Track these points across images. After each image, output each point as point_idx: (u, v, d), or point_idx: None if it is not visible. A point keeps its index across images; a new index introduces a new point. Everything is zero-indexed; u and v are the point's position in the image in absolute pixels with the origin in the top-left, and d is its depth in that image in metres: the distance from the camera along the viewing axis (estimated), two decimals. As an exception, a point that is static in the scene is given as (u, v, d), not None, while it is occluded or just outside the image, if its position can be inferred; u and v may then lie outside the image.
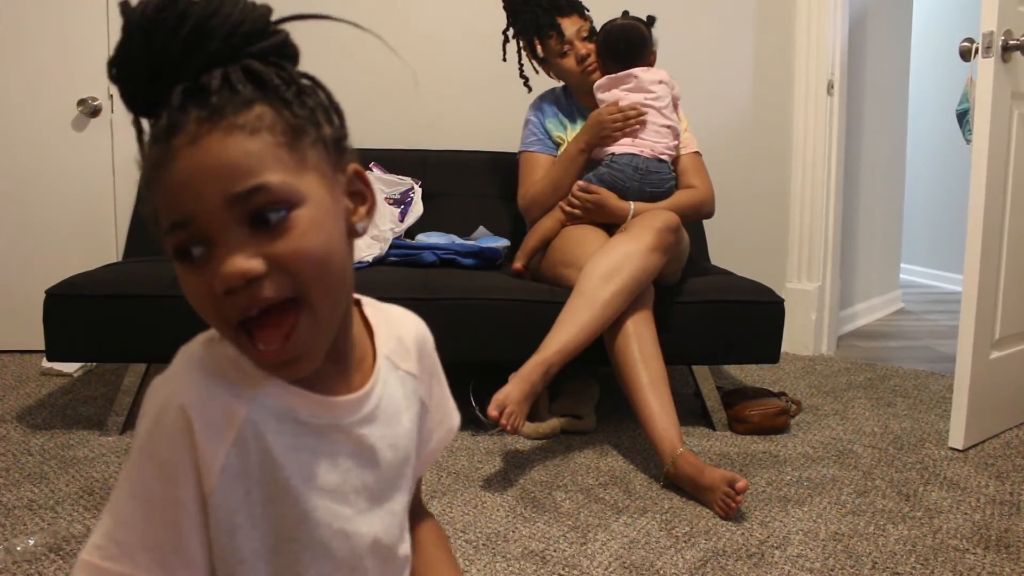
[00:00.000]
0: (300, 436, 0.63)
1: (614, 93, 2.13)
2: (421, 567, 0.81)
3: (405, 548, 0.75)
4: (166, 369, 0.62)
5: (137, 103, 0.60)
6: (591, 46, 2.18)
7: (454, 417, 0.83)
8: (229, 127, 0.55)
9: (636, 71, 2.12)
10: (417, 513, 0.84)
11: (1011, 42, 1.89)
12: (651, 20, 2.19)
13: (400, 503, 0.73)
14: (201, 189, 0.55)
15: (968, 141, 2.03)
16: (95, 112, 2.69)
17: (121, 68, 0.58)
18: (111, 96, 2.69)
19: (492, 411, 1.65)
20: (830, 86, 2.90)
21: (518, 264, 2.16)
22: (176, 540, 0.59)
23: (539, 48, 2.21)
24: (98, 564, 0.59)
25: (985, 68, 1.90)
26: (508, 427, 1.65)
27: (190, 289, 0.58)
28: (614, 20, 2.19)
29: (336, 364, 0.66)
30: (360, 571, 0.68)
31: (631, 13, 2.22)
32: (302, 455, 0.63)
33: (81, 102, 2.67)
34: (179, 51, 0.56)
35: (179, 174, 0.55)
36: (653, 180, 2.08)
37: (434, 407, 0.79)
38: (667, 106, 2.13)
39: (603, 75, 2.16)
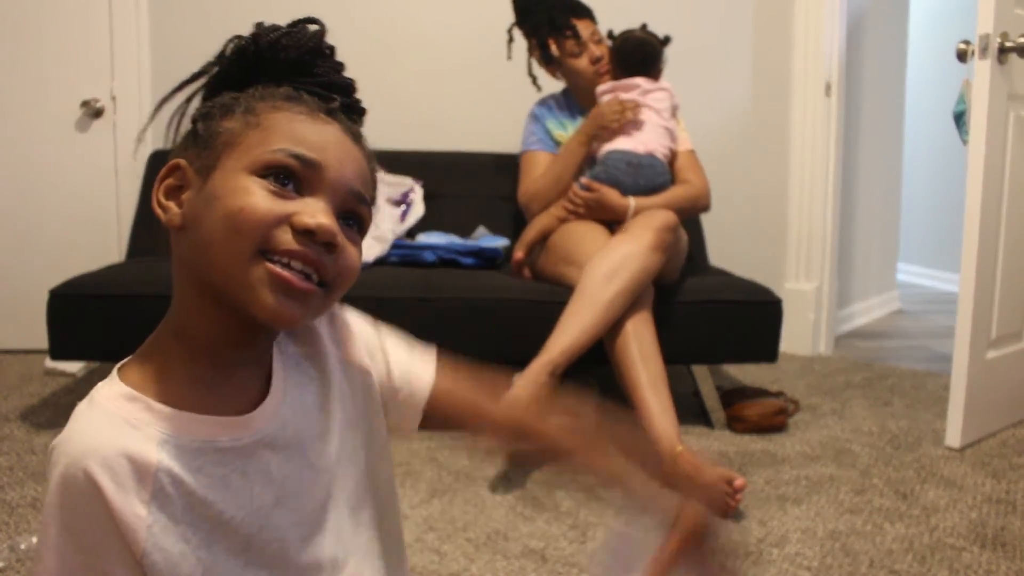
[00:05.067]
0: (227, 464, 0.61)
1: (616, 95, 2.17)
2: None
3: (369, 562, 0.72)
4: (59, 436, 0.58)
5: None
6: (604, 48, 2.23)
7: (422, 366, 0.77)
8: (368, 154, 0.67)
9: (639, 80, 2.18)
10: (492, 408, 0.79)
11: (1007, 44, 1.91)
12: (667, 40, 2.24)
13: (355, 505, 0.70)
14: (343, 159, 0.63)
15: (965, 142, 2.03)
16: (98, 113, 2.70)
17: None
18: (113, 98, 2.70)
19: None
20: (828, 87, 2.91)
21: (518, 254, 2.17)
22: None
23: (553, 47, 2.23)
24: None
25: (981, 70, 1.91)
26: None
27: (252, 201, 0.58)
28: (633, 30, 2.24)
29: (258, 369, 0.66)
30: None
31: (648, 27, 2.27)
32: (233, 481, 0.62)
33: (84, 103, 2.68)
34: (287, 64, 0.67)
35: (333, 137, 0.63)
36: (646, 174, 2.11)
37: (378, 361, 0.75)
38: (666, 110, 2.19)
39: (611, 80, 2.21)
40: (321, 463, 0.68)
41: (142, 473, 0.57)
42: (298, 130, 0.62)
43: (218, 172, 0.61)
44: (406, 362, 0.76)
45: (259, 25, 0.66)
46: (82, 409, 0.60)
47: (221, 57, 0.67)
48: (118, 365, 0.64)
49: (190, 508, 0.59)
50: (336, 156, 0.62)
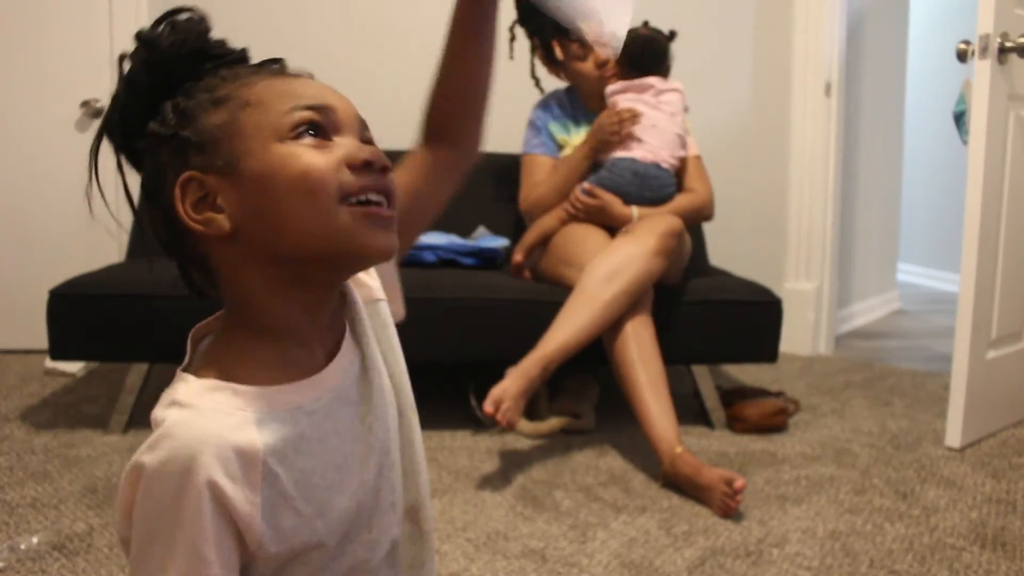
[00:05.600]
0: (319, 426, 0.64)
1: (627, 96, 2.15)
2: None
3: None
4: (148, 449, 0.58)
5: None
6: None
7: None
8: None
9: (652, 80, 2.15)
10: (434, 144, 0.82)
11: (1007, 44, 1.91)
12: (672, 35, 2.22)
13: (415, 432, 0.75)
14: (340, 97, 0.65)
15: (965, 142, 2.03)
16: (98, 113, 2.70)
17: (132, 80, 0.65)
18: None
19: (488, 407, 1.66)
20: (828, 87, 2.91)
21: (517, 256, 2.17)
22: None
23: (557, 50, 2.22)
24: None
25: (982, 70, 1.91)
26: (503, 422, 1.66)
27: (308, 161, 0.60)
28: (637, 29, 2.21)
29: (328, 333, 0.68)
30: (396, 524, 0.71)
31: (651, 24, 2.24)
32: (329, 441, 0.64)
33: (84, 103, 2.68)
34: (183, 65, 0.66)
35: (315, 84, 0.65)
36: (652, 185, 2.09)
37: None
38: (678, 113, 2.16)
39: (619, 80, 2.19)
40: (377, 412, 0.70)
41: (251, 460, 0.59)
42: (288, 89, 0.63)
43: (247, 159, 0.61)
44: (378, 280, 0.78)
45: (140, 33, 0.65)
46: (176, 418, 0.59)
47: (129, 81, 0.65)
48: (180, 369, 0.64)
49: (299, 482, 0.61)
50: (333, 96, 0.65)
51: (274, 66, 0.68)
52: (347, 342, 0.69)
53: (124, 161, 0.68)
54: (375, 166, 0.62)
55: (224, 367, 0.62)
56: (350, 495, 0.66)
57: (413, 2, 2.85)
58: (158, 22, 0.65)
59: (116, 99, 0.66)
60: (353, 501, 0.66)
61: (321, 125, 0.62)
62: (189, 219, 0.62)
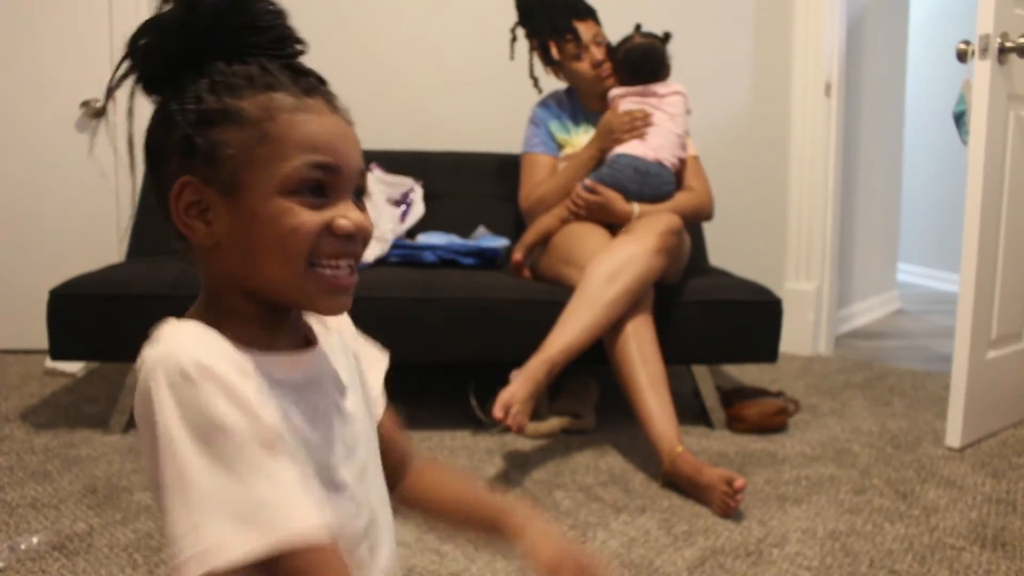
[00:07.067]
0: (283, 397, 0.63)
1: (631, 99, 2.15)
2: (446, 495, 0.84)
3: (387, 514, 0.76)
4: (153, 345, 0.57)
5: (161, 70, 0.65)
6: (606, 50, 2.21)
7: (381, 355, 0.83)
8: (347, 118, 0.67)
9: (656, 87, 2.16)
10: (409, 463, 0.85)
11: (1007, 44, 1.91)
12: (667, 36, 2.21)
13: (375, 466, 0.75)
14: (352, 150, 0.65)
15: (965, 142, 2.03)
16: (98, 114, 2.70)
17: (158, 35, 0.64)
18: (113, 98, 2.69)
19: (497, 412, 1.66)
20: (828, 87, 2.91)
21: (517, 255, 2.17)
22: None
23: (553, 50, 2.22)
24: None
25: (982, 70, 1.91)
26: (514, 427, 1.67)
27: (299, 221, 0.62)
28: (632, 38, 2.21)
29: (296, 322, 0.70)
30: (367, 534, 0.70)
31: (643, 28, 2.24)
32: (291, 415, 0.64)
33: (84, 103, 2.68)
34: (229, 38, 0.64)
35: (334, 127, 0.65)
36: (653, 183, 2.09)
37: (363, 355, 0.81)
38: (680, 115, 2.16)
39: (618, 84, 2.19)
40: (350, 412, 0.71)
41: (245, 370, 0.58)
42: (307, 134, 0.63)
43: (248, 194, 0.62)
44: (374, 386, 0.81)
45: None
46: (178, 325, 0.59)
47: (159, 30, 0.64)
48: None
49: (281, 417, 0.61)
50: (345, 148, 0.65)
51: (303, 81, 0.65)
52: (322, 342, 0.72)
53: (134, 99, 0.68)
54: (356, 239, 0.65)
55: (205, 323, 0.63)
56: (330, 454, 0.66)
57: (415, 2, 2.86)
58: None
59: (141, 41, 0.65)
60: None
61: (324, 185, 0.63)
62: (178, 219, 0.64)
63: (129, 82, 0.66)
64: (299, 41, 0.67)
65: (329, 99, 0.66)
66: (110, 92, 0.66)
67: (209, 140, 0.62)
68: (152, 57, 0.65)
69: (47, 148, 2.71)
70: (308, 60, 0.68)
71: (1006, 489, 1.73)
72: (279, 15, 0.66)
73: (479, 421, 2.01)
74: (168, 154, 0.64)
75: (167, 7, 0.64)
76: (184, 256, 0.67)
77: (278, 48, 0.66)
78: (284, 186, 0.62)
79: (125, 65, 0.66)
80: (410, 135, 2.77)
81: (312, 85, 0.66)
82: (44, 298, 1.92)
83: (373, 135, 2.74)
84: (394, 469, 0.81)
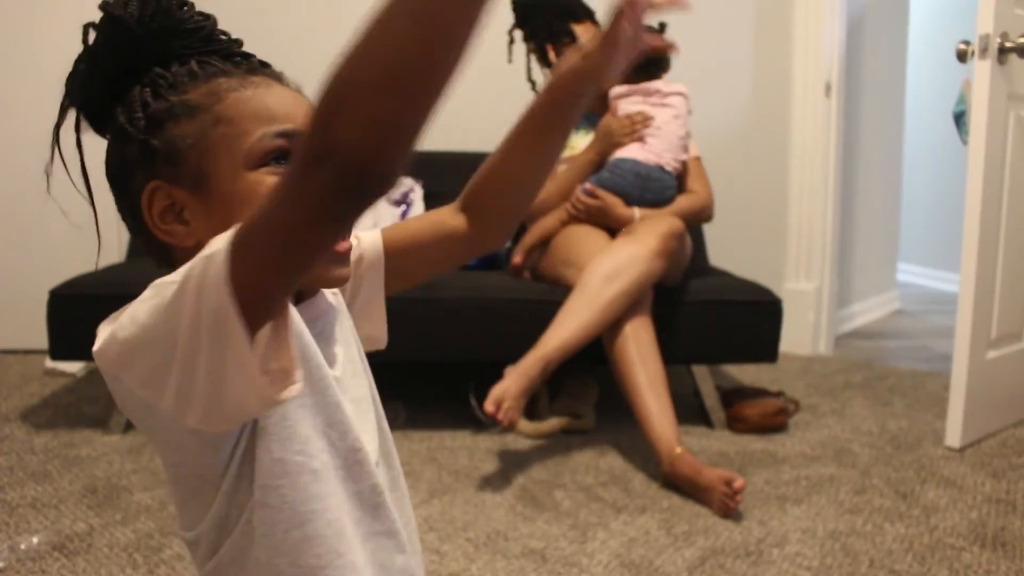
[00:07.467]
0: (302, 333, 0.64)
1: (632, 100, 2.15)
2: None
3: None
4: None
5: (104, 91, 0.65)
6: None
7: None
8: (299, 91, 0.67)
9: (658, 84, 2.15)
10: (453, 209, 0.78)
11: (1007, 44, 1.91)
12: (662, 27, 2.20)
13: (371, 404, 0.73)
14: (304, 112, 0.63)
15: (965, 142, 2.04)
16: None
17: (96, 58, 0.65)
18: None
19: (489, 407, 1.66)
20: (828, 87, 2.91)
21: (517, 258, 2.17)
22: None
23: (551, 54, 2.21)
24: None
25: (981, 70, 1.91)
26: (504, 422, 1.67)
27: None
28: None
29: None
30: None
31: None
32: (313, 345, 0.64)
33: (83, 103, 2.69)
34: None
35: (286, 96, 0.64)
36: (654, 187, 2.09)
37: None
38: (682, 115, 2.15)
39: (619, 81, 2.18)
40: (357, 365, 0.71)
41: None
42: (260, 107, 0.63)
43: (216, 180, 0.61)
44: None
45: (106, 4, 0.65)
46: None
47: (90, 56, 0.65)
48: None
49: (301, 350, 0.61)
50: (301, 113, 0.64)
51: (245, 64, 0.66)
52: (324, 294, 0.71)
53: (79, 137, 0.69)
54: None
55: None
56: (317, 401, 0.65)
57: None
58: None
59: (78, 73, 0.66)
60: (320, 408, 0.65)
61: (289, 152, 0.62)
62: (156, 228, 0.63)
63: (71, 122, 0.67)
64: (228, 37, 0.68)
65: (275, 76, 0.67)
66: (56, 133, 0.67)
67: (165, 139, 0.62)
68: (92, 86, 0.65)
69: (47, 148, 2.69)
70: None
71: (1006, 489, 1.73)
72: (205, 16, 0.66)
73: (479, 421, 2.01)
74: (130, 171, 0.64)
75: (92, 35, 0.65)
76: (174, 269, 0.66)
77: (210, 46, 0.66)
78: (250, 161, 0.61)
79: (66, 103, 0.67)
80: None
81: (254, 66, 0.66)
82: (44, 298, 1.92)
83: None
84: (455, 229, 0.76)
